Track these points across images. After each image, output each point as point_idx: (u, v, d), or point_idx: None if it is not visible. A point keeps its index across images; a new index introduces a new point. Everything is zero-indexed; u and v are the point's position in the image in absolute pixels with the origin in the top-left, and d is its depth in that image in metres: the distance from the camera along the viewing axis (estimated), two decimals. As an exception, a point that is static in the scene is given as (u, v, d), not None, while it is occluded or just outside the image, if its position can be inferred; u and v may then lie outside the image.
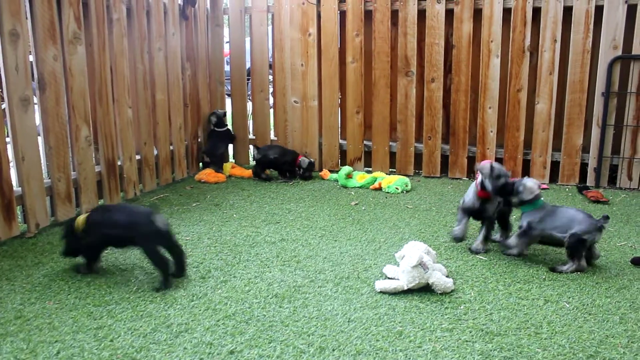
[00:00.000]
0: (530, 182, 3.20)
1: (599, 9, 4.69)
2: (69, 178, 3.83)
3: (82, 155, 3.94)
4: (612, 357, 2.24)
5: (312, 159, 5.30)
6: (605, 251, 3.35)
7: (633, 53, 4.66)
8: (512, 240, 3.25)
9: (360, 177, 5.02)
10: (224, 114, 5.58)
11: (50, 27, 3.58)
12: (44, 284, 2.86)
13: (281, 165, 5.21)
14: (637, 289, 2.85)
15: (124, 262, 3.16)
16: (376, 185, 4.88)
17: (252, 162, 5.57)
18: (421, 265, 2.73)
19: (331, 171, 5.40)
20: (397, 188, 4.75)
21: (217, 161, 5.45)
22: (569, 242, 3.04)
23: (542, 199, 3.20)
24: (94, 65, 4.01)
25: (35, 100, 3.64)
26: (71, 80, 3.80)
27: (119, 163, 4.34)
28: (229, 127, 5.71)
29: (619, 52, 4.69)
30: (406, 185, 4.81)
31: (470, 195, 3.43)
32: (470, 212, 3.45)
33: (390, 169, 5.49)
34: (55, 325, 2.44)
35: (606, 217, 3.04)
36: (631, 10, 4.61)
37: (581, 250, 3.03)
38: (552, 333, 2.42)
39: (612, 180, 4.97)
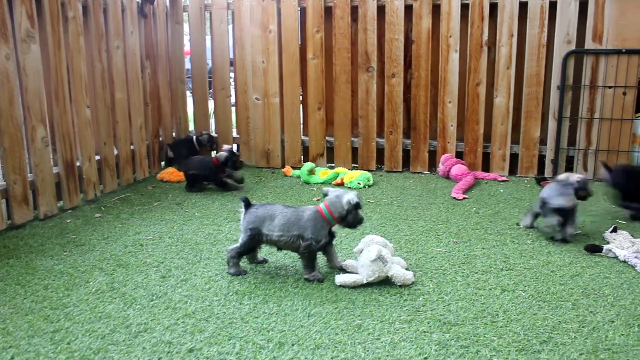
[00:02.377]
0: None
1: (553, 5, 4.80)
2: (25, 180, 3.75)
3: (38, 156, 3.86)
4: (564, 342, 2.30)
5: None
6: (561, 240, 3.44)
7: (585, 47, 4.78)
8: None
9: (322, 173, 5.04)
10: (208, 139, 5.57)
11: (1, 26, 3.49)
12: (-1, 288, 2.81)
13: (207, 178, 4.71)
14: (589, 275, 2.94)
15: (82, 263, 3.12)
16: (339, 180, 4.91)
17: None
18: (380, 258, 2.76)
19: (294, 167, 5.41)
20: (359, 183, 4.78)
21: (180, 156, 5.41)
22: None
23: None
24: (50, 64, 3.93)
25: (-12, 100, 3.55)
26: (25, 79, 3.72)
27: (78, 164, 4.26)
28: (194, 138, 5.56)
29: (573, 47, 4.81)
30: (368, 180, 4.85)
31: (319, 229, 2.87)
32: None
33: (353, 164, 5.53)
34: (9, 330, 2.39)
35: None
36: (583, 7, 4.73)
37: None
38: (507, 321, 2.47)
39: (569, 171, 5.08)
